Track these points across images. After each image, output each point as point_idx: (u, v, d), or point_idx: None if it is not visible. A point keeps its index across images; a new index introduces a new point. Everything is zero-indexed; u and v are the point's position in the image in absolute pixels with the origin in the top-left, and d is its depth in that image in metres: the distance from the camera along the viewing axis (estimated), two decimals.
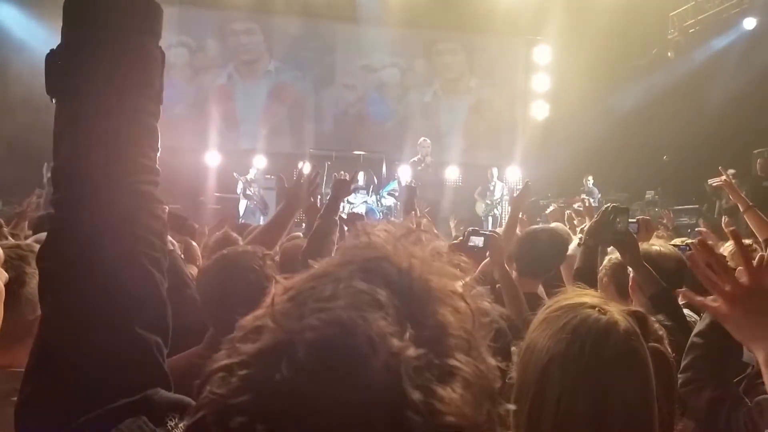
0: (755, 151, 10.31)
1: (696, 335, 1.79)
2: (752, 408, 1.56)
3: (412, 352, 0.43)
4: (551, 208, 5.68)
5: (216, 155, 10.89)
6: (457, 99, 13.09)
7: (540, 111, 12.28)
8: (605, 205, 2.72)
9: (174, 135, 10.76)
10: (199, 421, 0.45)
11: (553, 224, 3.70)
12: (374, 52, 12.69)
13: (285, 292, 0.48)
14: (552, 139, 11.06)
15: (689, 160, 10.90)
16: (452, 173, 12.40)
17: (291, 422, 0.41)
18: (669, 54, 11.55)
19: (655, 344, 1.36)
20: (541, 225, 3.40)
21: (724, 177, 3.72)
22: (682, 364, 1.75)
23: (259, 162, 10.86)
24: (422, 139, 10.25)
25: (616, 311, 1.13)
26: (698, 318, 2.77)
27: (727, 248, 3.56)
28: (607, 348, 1.08)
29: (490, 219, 11.22)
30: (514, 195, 3.56)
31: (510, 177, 12.19)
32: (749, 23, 10.70)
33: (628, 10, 10.38)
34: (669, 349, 1.41)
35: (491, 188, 12.02)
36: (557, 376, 1.07)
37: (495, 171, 11.82)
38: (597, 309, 1.13)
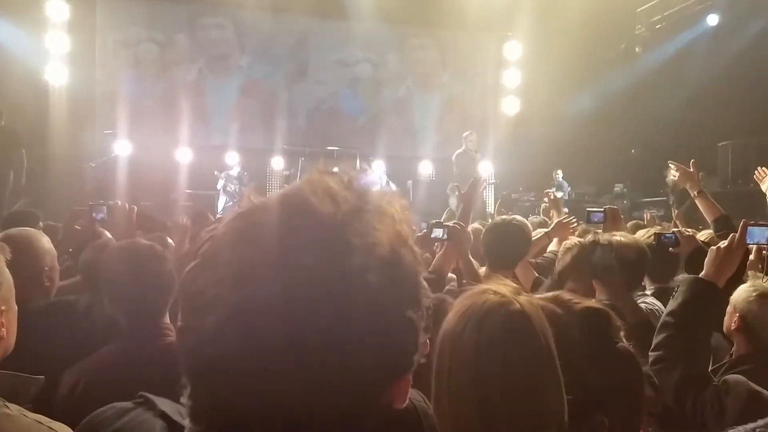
0: (720, 144, 10.59)
1: (668, 314, 1.83)
2: (719, 387, 1.59)
3: (349, 199, 0.57)
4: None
5: (187, 151, 10.78)
6: (430, 94, 13.15)
7: (511, 106, 12.40)
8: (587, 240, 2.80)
9: (144, 131, 10.64)
10: None
11: (516, 216, 3.76)
12: (347, 47, 12.68)
13: None
14: (523, 133, 11.19)
15: (656, 154, 11.12)
16: (425, 168, 12.47)
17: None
18: (637, 49, 11.77)
19: (623, 344, 1.40)
20: (503, 217, 3.43)
21: (675, 168, 3.79)
22: (654, 342, 1.79)
23: (231, 158, 10.78)
24: (468, 132, 10.22)
25: (522, 299, 1.15)
26: (659, 307, 2.85)
27: (703, 235, 3.67)
28: (486, 327, 1.10)
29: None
30: (462, 191, 3.58)
31: (482, 171, 12.30)
32: (712, 19, 10.95)
33: (597, 6, 10.53)
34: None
35: (483, 180, 12.13)
36: (447, 352, 1.12)
37: None
38: (494, 293, 1.15)
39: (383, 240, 0.56)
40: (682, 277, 1.96)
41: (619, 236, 2.84)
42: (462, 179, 9.85)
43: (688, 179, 3.64)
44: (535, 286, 3.09)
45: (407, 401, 0.60)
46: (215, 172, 10.52)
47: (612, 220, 3.85)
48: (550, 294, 1.53)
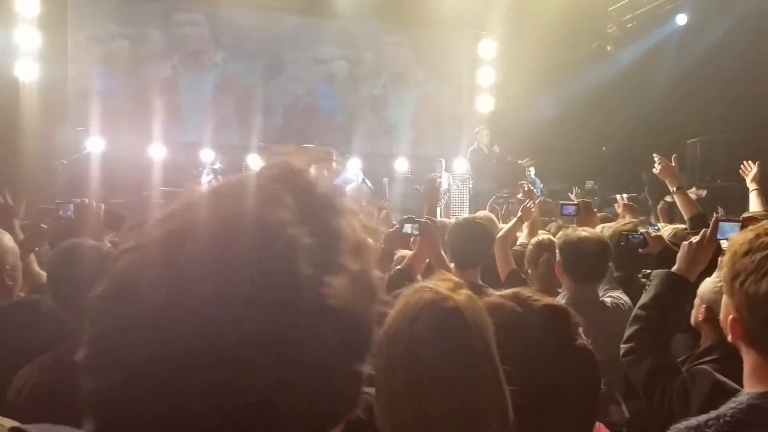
0: (689, 141, 10.79)
1: (639, 308, 1.88)
2: (686, 378, 1.63)
3: (306, 240, 0.50)
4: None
5: (161, 148, 10.69)
6: (405, 92, 13.20)
7: (485, 104, 12.49)
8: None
9: (117, 128, 10.53)
10: None
11: (481, 213, 3.83)
12: (323, 45, 12.67)
13: None
14: (496, 131, 11.27)
15: (627, 151, 11.31)
16: (401, 165, 12.53)
17: (196, 294, 0.47)
18: (608, 48, 11.92)
19: (582, 342, 1.44)
20: (465, 216, 3.51)
21: (659, 161, 3.87)
22: (625, 334, 1.83)
23: (206, 155, 10.72)
24: (480, 127, 10.18)
25: (459, 295, 1.15)
26: (625, 301, 2.93)
27: (665, 231, 3.75)
28: (417, 324, 1.12)
29: (439, 209, 11.38)
30: (422, 191, 3.63)
31: (457, 169, 12.39)
32: (681, 19, 11.15)
33: (570, 5, 10.66)
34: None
35: (438, 179, 12.20)
36: (383, 350, 1.14)
37: (443, 163, 12.01)
38: (429, 290, 1.17)
39: (338, 292, 0.50)
40: (655, 271, 2.00)
41: (581, 230, 2.93)
42: (478, 176, 9.92)
43: (669, 174, 3.73)
44: (510, 279, 3.16)
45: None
46: (198, 169, 10.44)
47: (585, 213, 3.94)
48: (509, 291, 1.57)
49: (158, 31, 11.77)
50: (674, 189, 3.65)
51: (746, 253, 1.20)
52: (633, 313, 1.88)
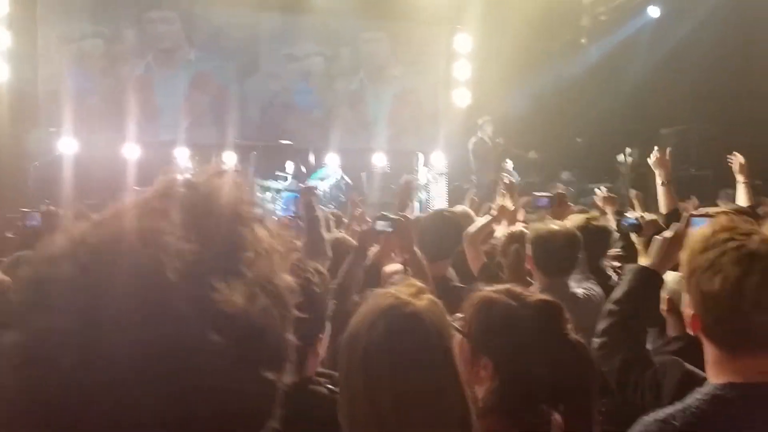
0: (662, 131, 10.94)
1: (612, 302, 1.89)
2: (657, 369, 1.65)
3: (186, 247, 0.49)
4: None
5: (135, 148, 10.57)
6: (383, 87, 13.18)
7: (462, 98, 12.53)
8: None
9: (90, 128, 10.39)
10: None
11: (459, 207, 3.85)
12: (299, 41, 12.59)
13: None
14: (474, 125, 11.32)
15: (601, 141, 11.43)
16: (379, 160, 12.53)
17: (71, 303, 0.47)
18: (582, 40, 12.02)
19: (575, 337, 1.46)
20: (434, 209, 3.53)
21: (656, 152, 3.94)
22: (598, 328, 1.85)
23: (181, 154, 10.62)
24: (485, 119, 10.11)
25: (420, 301, 1.15)
26: (597, 292, 2.97)
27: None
28: (375, 329, 1.13)
29: (417, 204, 11.42)
30: (397, 191, 3.65)
31: (435, 163, 12.43)
32: (654, 11, 11.27)
33: None
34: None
35: (416, 174, 12.24)
36: (344, 354, 1.16)
37: (421, 157, 12.04)
38: (392, 295, 1.18)
39: (227, 300, 0.49)
40: (628, 265, 2.01)
41: (552, 224, 2.96)
42: (480, 168, 9.91)
43: (662, 167, 3.78)
44: (483, 272, 3.18)
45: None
46: (174, 163, 10.33)
47: (559, 205, 3.98)
48: (502, 286, 1.58)
49: (131, 30, 11.61)
50: (663, 182, 3.71)
51: (702, 251, 1.22)
52: (605, 308, 1.90)
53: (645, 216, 3.90)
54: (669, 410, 1.22)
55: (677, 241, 1.90)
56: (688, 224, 1.94)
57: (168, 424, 0.46)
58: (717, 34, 10.05)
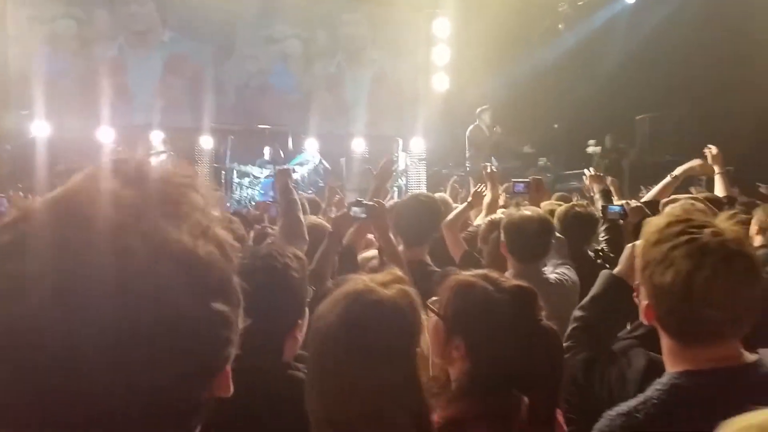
0: (638, 117, 11.06)
1: (579, 308, 1.92)
2: (622, 360, 1.67)
3: (131, 193, 0.56)
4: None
5: (109, 131, 10.40)
6: (361, 71, 13.10)
7: (441, 83, 12.51)
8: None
9: (62, 111, 10.19)
10: None
11: (438, 195, 3.86)
12: (275, 23, 12.44)
13: None
14: (452, 110, 11.33)
15: (577, 128, 11.53)
16: (358, 145, 12.49)
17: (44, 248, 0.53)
18: (560, 26, 12.04)
19: (548, 323, 1.48)
20: (411, 194, 3.54)
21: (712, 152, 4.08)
22: (566, 333, 1.88)
23: (156, 137, 10.48)
24: (484, 107, 10.03)
25: (390, 291, 1.13)
26: (569, 277, 3.01)
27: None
28: (335, 313, 1.12)
29: (396, 189, 11.42)
30: (375, 172, 3.64)
31: (414, 148, 12.43)
32: None
33: None
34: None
35: (396, 159, 12.22)
36: (310, 334, 1.16)
37: (400, 142, 12.02)
38: (362, 281, 1.16)
39: (172, 236, 0.55)
40: (602, 271, 2.02)
41: (524, 210, 2.98)
42: (474, 155, 9.90)
43: (718, 162, 3.95)
44: (464, 260, 3.20)
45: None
46: (149, 152, 10.19)
47: (536, 190, 4.01)
48: (479, 271, 1.60)
49: (103, 10, 11.36)
50: (719, 171, 3.91)
51: (655, 243, 1.23)
52: (573, 313, 1.92)
53: (630, 203, 3.97)
54: (631, 403, 1.24)
55: None
56: None
57: (129, 347, 0.52)
58: (693, 19, 10.15)
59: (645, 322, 1.33)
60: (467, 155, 9.95)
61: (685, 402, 1.19)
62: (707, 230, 1.20)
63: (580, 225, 3.44)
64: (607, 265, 2.77)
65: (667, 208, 3.59)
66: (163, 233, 0.55)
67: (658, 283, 1.20)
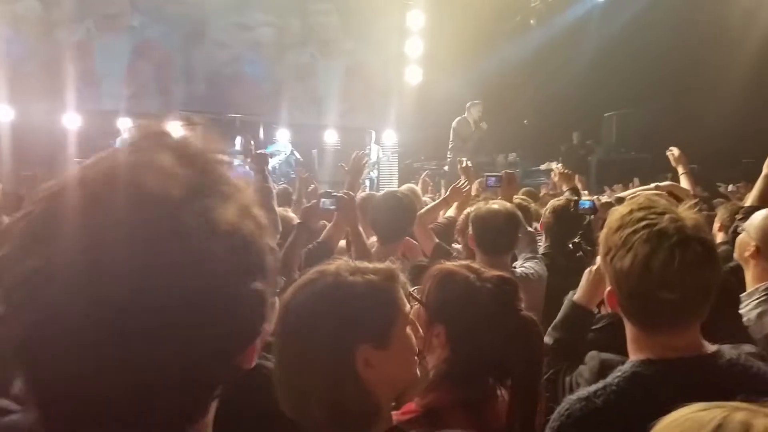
0: (605, 114, 11.24)
1: (551, 328, 1.96)
2: (581, 367, 1.71)
3: (182, 171, 0.58)
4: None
5: (75, 117, 10.17)
6: (334, 62, 13.02)
7: (414, 76, 12.52)
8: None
9: (27, 96, 9.92)
10: None
11: (405, 186, 3.88)
12: (247, 10, 12.28)
13: None
14: (425, 103, 11.36)
15: (546, 124, 11.66)
16: (331, 137, 12.43)
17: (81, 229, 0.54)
18: (532, 21, 12.15)
19: (527, 313, 1.48)
20: (389, 190, 3.55)
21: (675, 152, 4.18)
22: None
23: (124, 124, 10.27)
24: (474, 102, 9.96)
25: (356, 277, 1.11)
26: (535, 271, 3.06)
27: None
28: (291, 298, 1.12)
29: (367, 182, 11.41)
30: (347, 168, 3.65)
31: (386, 141, 12.42)
32: None
33: None
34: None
35: (368, 151, 12.21)
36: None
37: (372, 135, 12.00)
38: (333, 264, 1.14)
39: (223, 217, 0.57)
40: (569, 294, 2.07)
41: (492, 203, 3.02)
42: (457, 147, 9.89)
43: (680, 162, 4.02)
44: (436, 252, 3.22)
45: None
46: (116, 138, 10.01)
47: (508, 184, 4.06)
48: (463, 262, 1.62)
49: None
50: (683, 171, 4.00)
51: (617, 229, 1.26)
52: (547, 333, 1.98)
53: (601, 198, 4.06)
54: (592, 389, 1.28)
55: (602, 275, 1.96)
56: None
57: (179, 321, 0.54)
58: (663, 17, 10.34)
59: (608, 309, 1.37)
60: (450, 146, 9.98)
61: (644, 389, 1.23)
62: (666, 216, 1.23)
63: (574, 219, 3.55)
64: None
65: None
66: (214, 212, 0.57)
67: (619, 267, 1.24)
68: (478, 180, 4.84)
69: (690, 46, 9.85)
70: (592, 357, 1.65)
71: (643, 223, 1.22)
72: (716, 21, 9.49)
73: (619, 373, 1.27)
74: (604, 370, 1.55)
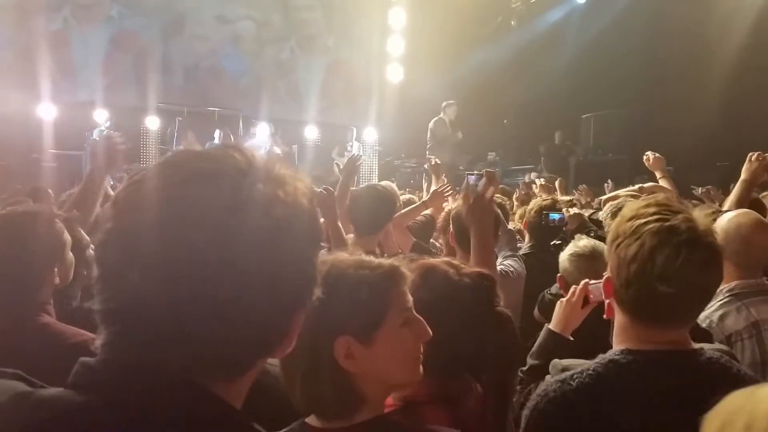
0: (583, 116, 11.35)
1: (529, 355, 2.02)
2: (547, 377, 1.71)
3: (282, 176, 0.70)
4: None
5: (51, 108, 10.00)
6: (315, 57, 12.99)
7: (395, 74, 12.54)
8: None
9: (2, 85, 9.73)
10: None
11: (384, 182, 3.88)
12: (228, 3, 12.18)
13: None
14: (406, 101, 11.38)
15: (526, 124, 11.76)
16: (311, 133, 12.40)
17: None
18: (512, 23, 12.23)
19: (502, 309, 1.51)
20: (366, 184, 3.56)
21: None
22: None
23: (100, 115, 10.12)
24: (449, 102, 9.93)
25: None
26: (515, 269, 3.08)
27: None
28: None
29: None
30: (342, 166, 3.68)
31: (367, 138, 12.43)
32: None
33: None
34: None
35: (349, 148, 12.20)
36: None
37: (353, 131, 12.00)
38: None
39: (300, 201, 0.70)
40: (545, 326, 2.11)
41: None
42: (434, 147, 9.90)
43: (658, 166, 4.02)
44: (415, 251, 3.22)
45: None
46: (91, 130, 9.88)
47: (489, 182, 4.09)
48: (444, 258, 1.63)
49: None
50: (661, 176, 3.99)
51: (629, 219, 1.29)
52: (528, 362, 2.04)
53: (570, 211, 4.10)
54: (569, 373, 1.30)
55: (574, 304, 2.00)
56: (584, 288, 2.02)
57: (268, 285, 0.66)
58: (642, 20, 10.48)
59: (604, 299, 1.38)
60: (428, 146, 10.02)
61: (618, 376, 1.25)
62: (680, 215, 1.25)
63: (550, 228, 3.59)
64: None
65: (607, 205, 3.75)
66: (294, 197, 0.69)
67: (623, 254, 1.26)
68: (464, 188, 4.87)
69: (668, 48, 10.00)
70: (554, 365, 1.69)
71: (656, 217, 1.25)
72: (694, 25, 9.64)
73: (597, 360, 1.30)
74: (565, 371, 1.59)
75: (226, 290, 0.63)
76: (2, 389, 0.67)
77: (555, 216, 3.63)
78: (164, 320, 0.63)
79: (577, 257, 2.47)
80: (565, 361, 1.59)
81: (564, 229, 3.73)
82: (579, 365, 1.37)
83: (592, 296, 1.96)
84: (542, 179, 5.44)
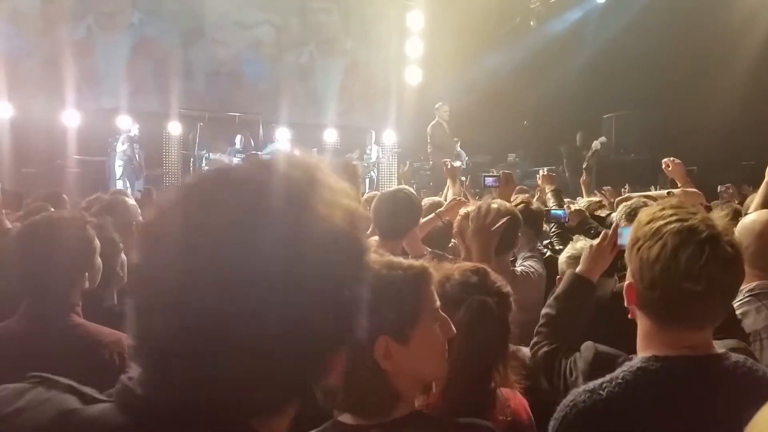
0: (605, 116, 11.25)
1: (546, 306, 1.97)
2: (576, 354, 1.71)
3: (334, 186, 0.67)
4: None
5: (75, 114, 10.18)
6: (333, 61, 13.05)
7: (413, 76, 12.53)
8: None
9: (27, 93, 9.93)
10: None
11: (403, 186, 3.88)
12: (246, 8, 12.29)
13: None
14: (425, 103, 11.36)
15: (546, 125, 11.67)
16: (330, 136, 12.45)
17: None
18: (531, 23, 12.16)
19: (486, 298, 1.48)
20: (391, 188, 3.55)
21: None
22: (535, 330, 1.92)
23: (123, 122, 10.28)
24: (441, 103, 9.99)
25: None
26: (536, 269, 3.07)
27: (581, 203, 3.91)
28: None
29: (367, 181, 11.44)
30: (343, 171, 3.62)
31: (386, 141, 12.44)
32: None
33: None
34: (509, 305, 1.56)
35: (368, 151, 12.24)
36: None
37: (372, 134, 12.02)
38: None
39: (343, 223, 0.65)
40: (567, 271, 2.08)
41: (493, 203, 3.02)
42: (437, 150, 9.94)
43: (678, 174, 3.89)
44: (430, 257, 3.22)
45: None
46: (115, 136, 10.05)
47: (505, 183, 4.08)
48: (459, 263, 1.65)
49: None
50: (681, 186, 3.85)
51: (648, 222, 1.28)
52: (542, 311, 1.98)
53: (571, 207, 4.06)
54: (598, 382, 1.29)
55: (604, 248, 1.98)
56: (614, 233, 2.01)
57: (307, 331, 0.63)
58: (661, 19, 10.36)
59: (626, 305, 1.37)
60: (429, 150, 10.03)
61: (649, 384, 1.24)
62: (699, 216, 1.25)
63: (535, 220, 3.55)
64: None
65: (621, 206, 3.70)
66: (343, 216, 0.66)
67: (645, 257, 1.25)
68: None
69: (689, 47, 9.87)
70: (588, 347, 1.66)
71: (676, 217, 1.25)
72: (716, 23, 9.51)
73: (626, 368, 1.28)
74: (598, 361, 1.56)
75: (265, 340, 0.60)
76: (51, 405, 0.65)
77: (557, 213, 3.61)
78: (201, 360, 0.60)
79: (575, 260, 2.46)
80: (600, 347, 1.58)
81: (565, 225, 3.70)
82: (614, 354, 1.36)
83: (619, 240, 1.95)
84: (546, 169, 5.39)
